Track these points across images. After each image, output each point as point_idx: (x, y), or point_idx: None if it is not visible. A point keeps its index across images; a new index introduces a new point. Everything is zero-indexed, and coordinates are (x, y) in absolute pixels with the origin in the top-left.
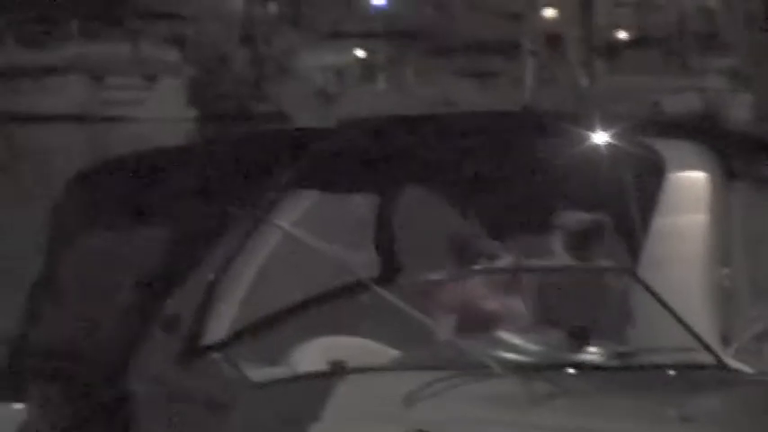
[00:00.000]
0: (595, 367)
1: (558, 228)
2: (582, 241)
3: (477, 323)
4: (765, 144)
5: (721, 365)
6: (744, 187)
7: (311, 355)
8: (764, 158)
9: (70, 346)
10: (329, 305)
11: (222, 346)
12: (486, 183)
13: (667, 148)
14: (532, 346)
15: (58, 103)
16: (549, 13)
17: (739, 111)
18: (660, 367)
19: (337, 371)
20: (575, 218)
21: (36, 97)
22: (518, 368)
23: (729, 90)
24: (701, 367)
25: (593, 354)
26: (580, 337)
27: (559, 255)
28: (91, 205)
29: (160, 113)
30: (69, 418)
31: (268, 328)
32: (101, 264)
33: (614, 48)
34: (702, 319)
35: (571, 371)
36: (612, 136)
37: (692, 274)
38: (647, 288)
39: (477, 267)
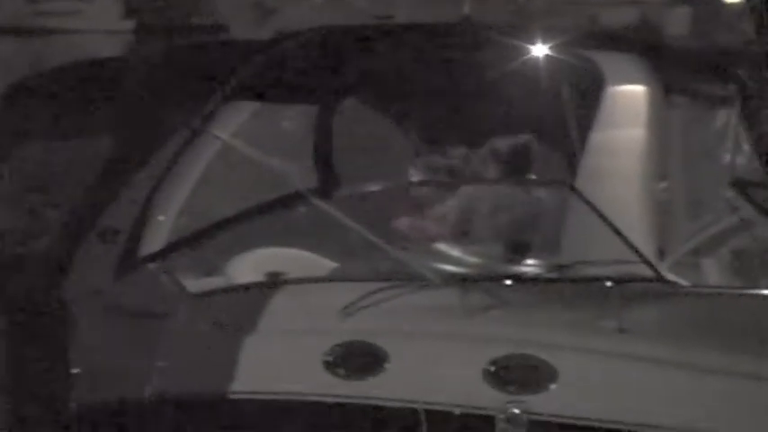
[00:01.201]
0: (533, 279)
1: (488, 152)
2: (510, 164)
3: (415, 235)
4: (703, 57)
5: (658, 278)
6: (681, 101)
7: (248, 267)
8: (701, 73)
9: (7, 256)
10: (267, 217)
11: (159, 256)
12: (424, 95)
13: (606, 61)
14: (470, 258)
15: None
16: None
17: (677, 25)
18: (597, 279)
19: (274, 282)
20: (502, 142)
21: None
22: (455, 279)
23: (667, 3)
24: (638, 280)
25: (530, 266)
26: (518, 250)
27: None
28: (25, 118)
29: (97, 25)
30: (5, 327)
31: (205, 240)
32: (37, 176)
33: None
34: (639, 233)
35: (508, 282)
36: (551, 48)
37: (630, 187)
38: (585, 201)
39: (415, 179)
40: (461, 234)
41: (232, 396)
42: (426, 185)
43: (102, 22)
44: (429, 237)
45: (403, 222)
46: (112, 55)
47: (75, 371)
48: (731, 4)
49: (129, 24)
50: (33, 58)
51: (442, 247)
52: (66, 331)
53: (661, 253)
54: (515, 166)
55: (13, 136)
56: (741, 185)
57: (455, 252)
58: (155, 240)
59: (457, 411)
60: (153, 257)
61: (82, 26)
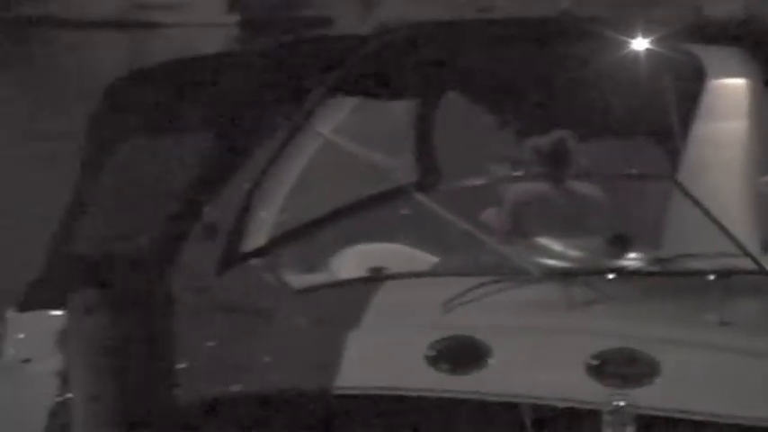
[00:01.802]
0: (634, 273)
1: (530, 152)
2: (551, 160)
3: (518, 229)
4: None
5: (761, 271)
6: None
7: (350, 262)
8: None
9: (109, 254)
10: (368, 212)
11: (262, 252)
12: (524, 89)
13: (708, 54)
14: (572, 252)
15: (96, 9)
16: None
17: None
18: (699, 273)
19: (376, 277)
20: (540, 141)
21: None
22: (557, 274)
23: None
24: (741, 273)
25: (632, 260)
26: (620, 244)
27: None
28: (128, 113)
29: (199, 19)
30: (109, 326)
31: (308, 235)
32: (139, 172)
33: None
34: (742, 225)
35: (610, 276)
36: (653, 42)
37: (732, 180)
38: (687, 194)
39: (517, 173)
40: (560, 228)
41: (336, 391)
42: (530, 179)
43: (205, 16)
44: (532, 230)
45: (505, 216)
46: (216, 50)
47: (181, 366)
48: None
49: (233, 18)
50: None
51: (544, 241)
52: (172, 327)
53: (764, 246)
54: (556, 163)
55: (116, 132)
56: None
57: (557, 246)
58: (257, 236)
59: (561, 405)
60: (256, 254)
61: (184, 20)
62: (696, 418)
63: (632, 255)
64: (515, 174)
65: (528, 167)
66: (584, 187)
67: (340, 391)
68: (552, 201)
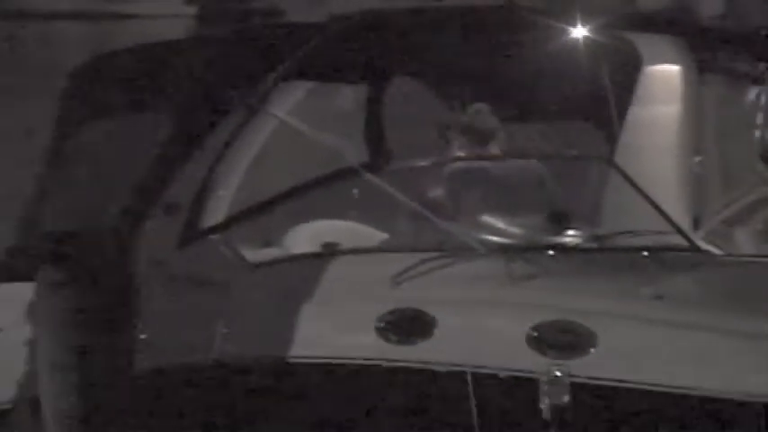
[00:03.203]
0: (573, 249)
1: (452, 127)
2: (474, 133)
3: (460, 206)
4: (736, 38)
5: (693, 247)
6: (715, 79)
7: (305, 238)
8: (734, 52)
9: (74, 231)
10: (321, 191)
11: (220, 228)
12: (468, 75)
13: (643, 42)
14: (514, 229)
15: (61, 1)
16: None
17: (710, 6)
18: (634, 249)
19: (329, 252)
20: (459, 117)
21: None
22: (500, 249)
23: None
24: (674, 249)
25: (571, 236)
26: (559, 221)
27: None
28: (94, 94)
29: (160, 10)
30: (75, 299)
31: (264, 213)
32: (103, 153)
33: None
34: (675, 204)
35: (550, 252)
36: (591, 30)
37: (666, 162)
38: (623, 174)
39: (459, 154)
40: (502, 205)
41: (289, 361)
42: (475, 159)
43: (165, 8)
44: (475, 208)
45: (449, 194)
46: (175, 38)
47: (142, 336)
48: None
49: (191, 10)
50: (99, 42)
51: (487, 218)
52: (134, 300)
53: (696, 224)
54: (478, 135)
55: (83, 111)
56: None
57: (500, 223)
58: (216, 214)
59: (502, 374)
60: (214, 229)
61: (145, 11)
62: (630, 386)
63: (571, 232)
64: (458, 154)
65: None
66: (525, 165)
67: (294, 360)
68: (492, 178)
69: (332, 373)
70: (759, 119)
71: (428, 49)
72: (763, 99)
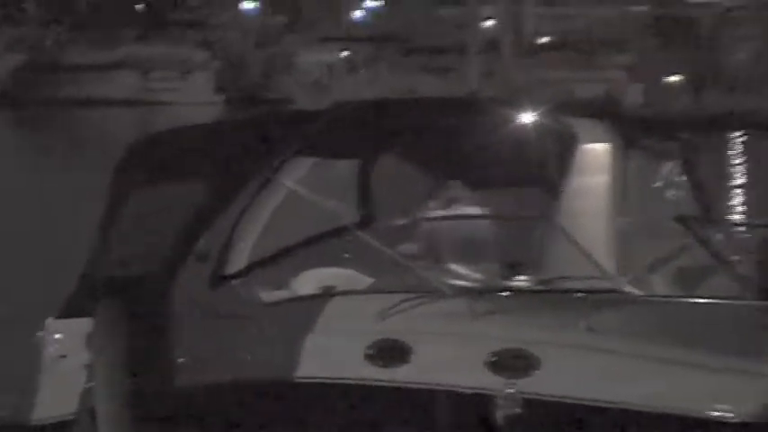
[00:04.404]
0: (523, 291)
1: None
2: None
3: (433, 257)
4: (652, 122)
5: (619, 290)
6: (637, 155)
7: (308, 282)
8: (651, 133)
9: (127, 275)
10: (322, 244)
11: (241, 274)
12: (441, 151)
13: (579, 125)
14: (475, 275)
15: (115, 92)
16: (489, 23)
17: (633, 96)
18: (572, 291)
19: (327, 294)
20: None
21: (97, 86)
22: (464, 291)
23: (626, 81)
24: (603, 291)
25: (521, 281)
26: (513, 268)
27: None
28: (144, 166)
29: (194, 99)
30: (125, 329)
31: (276, 261)
32: (150, 212)
33: (539, 49)
34: (605, 255)
35: (505, 294)
36: (538, 116)
37: (598, 221)
38: (563, 231)
39: (433, 215)
40: (467, 256)
41: (295, 381)
42: (444, 219)
43: (198, 96)
44: (446, 257)
45: (426, 247)
46: (206, 122)
47: (181, 360)
48: (674, 81)
49: (220, 98)
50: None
51: (453, 266)
52: (174, 331)
53: (621, 270)
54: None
55: (135, 178)
56: (682, 219)
57: (464, 270)
58: (238, 262)
59: (467, 392)
60: (237, 275)
61: (181, 100)
62: (569, 401)
63: (521, 277)
64: (434, 215)
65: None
66: (488, 225)
67: (299, 381)
68: (461, 236)
69: (329, 392)
70: (672, 187)
71: (406, 131)
72: (675, 171)
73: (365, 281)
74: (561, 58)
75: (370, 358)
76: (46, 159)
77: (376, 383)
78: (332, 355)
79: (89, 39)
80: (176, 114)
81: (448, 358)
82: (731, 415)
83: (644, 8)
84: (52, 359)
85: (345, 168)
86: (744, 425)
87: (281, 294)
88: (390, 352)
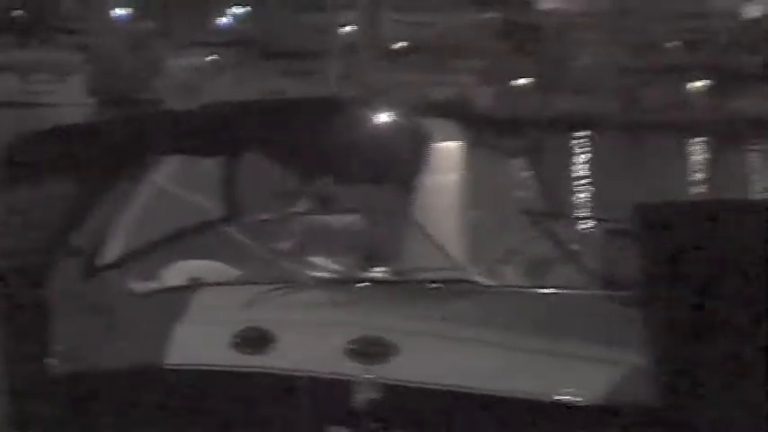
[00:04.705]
0: (381, 282)
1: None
2: (320, 200)
3: (301, 250)
4: (501, 122)
5: (471, 281)
6: (486, 153)
7: (177, 273)
8: (500, 132)
9: (9, 265)
10: (190, 237)
11: (113, 266)
12: (306, 150)
13: (432, 125)
14: (335, 266)
15: None
16: (348, 28)
17: (483, 98)
18: (428, 282)
19: (195, 285)
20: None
21: None
22: (325, 282)
23: (477, 83)
24: (457, 282)
25: (379, 272)
26: (371, 261)
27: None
28: (21, 163)
29: (71, 100)
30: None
31: (146, 254)
32: (26, 209)
33: (395, 54)
34: (457, 248)
35: (363, 285)
36: (394, 116)
37: (450, 215)
38: (418, 225)
39: (296, 210)
40: (329, 249)
41: (166, 368)
42: (305, 215)
43: (72, 98)
44: (307, 250)
45: (280, 241)
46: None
47: (59, 348)
48: (522, 84)
49: (92, 99)
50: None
51: (315, 258)
52: (50, 320)
53: (473, 262)
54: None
55: (8, 178)
56: (530, 214)
57: (324, 262)
58: (111, 255)
59: (327, 377)
60: (109, 267)
61: (58, 101)
62: (425, 386)
63: (379, 268)
64: (296, 210)
65: (307, 205)
66: (347, 219)
67: (169, 368)
68: (324, 230)
69: (195, 378)
70: (520, 183)
71: (271, 131)
72: (522, 168)
73: (232, 273)
74: (416, 62)
75: (237, 346)
76: None
77: (242, 370)
78: (200, 343)
79: None
80: (54, 115)
81: (309, 345)
82: (579, 399)
83: (494, 15)
84: None
85: (213, 166)
86: (592, 408)
87: (151, 285)
88: (256, 340)
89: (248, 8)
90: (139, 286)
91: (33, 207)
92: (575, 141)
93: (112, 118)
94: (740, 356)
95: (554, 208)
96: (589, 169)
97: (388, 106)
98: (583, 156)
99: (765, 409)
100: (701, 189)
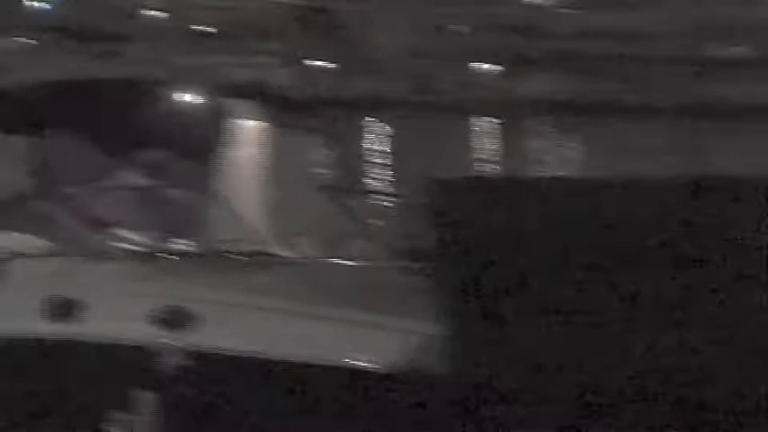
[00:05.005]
0: (186, 254)
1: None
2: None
3: (110, 223)
4: (299, 102)
5: (272, 253)
6: (285, 131)
7: None
8: (298, 111)
9: None
10: (2, 211)
11: None
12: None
13: (234, 104)
14: (142, 239)
15: None
16: (154, 12)
17: (282, 79)
18: (231, 254)
19: (7, 257)
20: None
21: None
22: (131, 254)
23: (275, 66)
24: (258, 254)
25: (184, 244)
26: (175, 233)
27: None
28: None
29: None
30: None
31: None
32: None
33: (199, 37)
34: (258, 221)
35: (169, 256)
36: (198, 96)
37: (252, 191)
38: (221, 199)
39: (103, 185)
40: (136, 222)
41: None
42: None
43: None
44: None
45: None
46: None
47: None
48: (319, 66)
49: None
50: None
51: (124, 231)
52: None
53: (273, 235)
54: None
55: None
56: (327, 189)
57: (133, 235)
58: None
59: (129, 345)
60: None
61: None
62: (228, 354)
63: (185, 241)
64: (104, 185)
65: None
66: (152, 194)
67: None
68: (131, 203)
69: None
70: (317, 160)
71: (84, 111)
72: (320, 145)
73: (44, 245)
74: (220, 45)
75: (46, 314)
76: None
77: (51, 338)
78: (10, 312)
79: None
80: None
81: (117, 314)
82: (374, 366)
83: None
84: None
85: (24, 142)
86: (387, 375)
87: None
88: (63, 308)
89: None
90: None
91: None
92: (370, 121)
93: None
94: (529, 324)
95: (351, 184)
96: (384, 148)
97: (193, 87)
98: (379, 135)
99: (558, 375)
100: (489, 166)
